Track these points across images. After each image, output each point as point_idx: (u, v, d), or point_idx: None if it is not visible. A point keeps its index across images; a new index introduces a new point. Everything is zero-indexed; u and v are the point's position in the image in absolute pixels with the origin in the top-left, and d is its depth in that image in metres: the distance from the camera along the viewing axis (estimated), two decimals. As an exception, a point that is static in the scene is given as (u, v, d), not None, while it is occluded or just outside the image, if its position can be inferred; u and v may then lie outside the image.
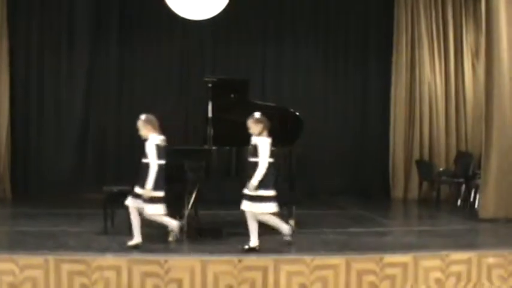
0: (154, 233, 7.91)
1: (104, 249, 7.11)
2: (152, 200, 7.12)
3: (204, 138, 8.27)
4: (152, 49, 12.64)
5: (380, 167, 12.81)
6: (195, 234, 8.01)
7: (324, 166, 12.21)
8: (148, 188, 7.06)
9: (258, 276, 6.55)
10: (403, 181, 12.65)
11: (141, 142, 7.24)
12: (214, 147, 7.80)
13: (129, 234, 7.37)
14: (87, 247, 7.23)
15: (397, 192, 12.61)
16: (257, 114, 7.30)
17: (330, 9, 13.01)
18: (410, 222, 10.52)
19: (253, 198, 7.17)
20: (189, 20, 11.90)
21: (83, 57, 12.53)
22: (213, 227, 8.75)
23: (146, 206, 7.14)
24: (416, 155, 12.57)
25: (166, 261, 6.52)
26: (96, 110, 12.44)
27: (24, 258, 6.58)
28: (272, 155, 7.20)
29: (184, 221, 7.97)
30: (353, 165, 12.82)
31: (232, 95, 8.54)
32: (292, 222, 8.69)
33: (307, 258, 6.69)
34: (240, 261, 6.58)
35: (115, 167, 12.20)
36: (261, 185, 7.14)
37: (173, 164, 7.50)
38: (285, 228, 7.46)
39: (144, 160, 7.18)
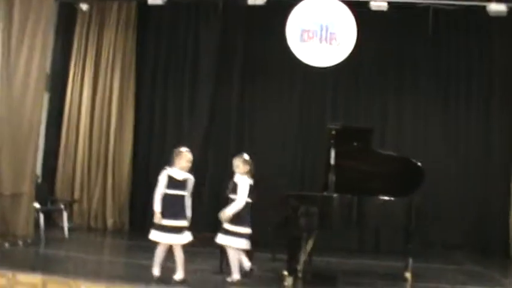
0: (271, 277, 7.93)
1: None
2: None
3: (324, 185, 8.21)
4: (273, 94, 12.83)
5: (501, 224, 12.24)
6: (310, 280, 7.94)
7: (442, 218, 11.84)
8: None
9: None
10: (523, 240, 12.05)
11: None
12: (335, 194, 7.73)
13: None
14: (203, 285, 7.31)
15: (517, 251, 12.02)
16: (246, 155, 7.77)
17: (451, 59, 12.70)
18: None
19: (228, 233, 7.50)
20: (311, 67, 12.13)
21: (205, 101, 12.87)
22: (328, 274, 8.64)
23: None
24: (539, 214, 11.96)
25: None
26: (214, 155, 12.68)
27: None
28: (250, 195, 7.59)
29: (300, 267, 7.94)
30: (472, 220, 12.31)
31: (355, 143, 8.48)
32: (408, 274, 8.48)
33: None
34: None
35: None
36: (238, 221, 7.48)
37: (293, 210, 7.53)
38: (237, 271, 7.57)
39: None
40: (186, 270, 7.64)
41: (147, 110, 13.11)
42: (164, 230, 7.37)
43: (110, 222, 12.58)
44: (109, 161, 12.67)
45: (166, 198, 7.44)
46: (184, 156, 7.57)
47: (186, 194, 7.49)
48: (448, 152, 12.59)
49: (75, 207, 12.45)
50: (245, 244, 7.56)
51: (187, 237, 7.43)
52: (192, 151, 12.31)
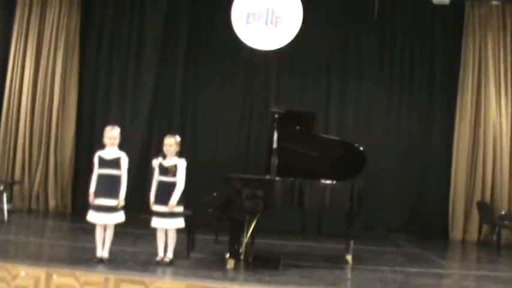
0: (212, 258, 7.95)
1: (161, 272, 7.20)
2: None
3: (266, 168, 8.25)
4: (217, 76, 12.78)
5: (440, 207, 12.52)
6: (252, 263, 8.00)
7: (383, 201, 12.04)
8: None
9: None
10: (462, 222, 12.33)
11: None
12: (277, 178, 7.77)
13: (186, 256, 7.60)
14: (144, 268, 7.29)
15: (456, 233, 12.30)
16: (178, 137, 7.71)
17: (395, 45, 12.87)
18: (469, 265, 10.25)
19: (169, 215, 7.51)
20: (256, 50, 12.13)
21: (149, 82, 12.77)
22: (270, 256, 8.72)
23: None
24: (477, 197, 12.23)
25: (224, 289, 6.52)
26: (158, 138, 12.56)
27: (85, 274, 6.66)
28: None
29: (242, 249, 7.98)
30: (412, 203, 12.59)
31: (298, 127, 8.52)
32: (349, 257, 8.62)
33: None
34: (297, 294, 6.53)
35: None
36: (178, 202, 7.51)
37: (235, 192, 7.55)
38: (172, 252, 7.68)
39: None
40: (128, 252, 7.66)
41: (91, 91, 12.90)
42: (97, 210, 7.38)
43: (52, 204, 12.37)
44: (51, 141, 12.42)
45: (99, 178, 7.45)
46: (106, 133, 7.54)
47: (119, 172, 7.44)
48: (390, 136, 12.82)
49: (16, 188, 12.18)
50: (183, 222, 7.63)
51: (119, 217, 7.43)
52: (135, 134, 12.43)
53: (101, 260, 7.40)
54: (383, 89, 12.84)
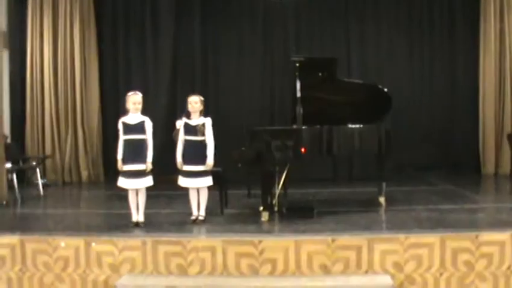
0: (246, 213, 7.98)
1: (196, 230, 7.30)
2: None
3: (292, 118, 8.22)
4: (235, 31, 12.70)
5: (470, 142, 12.40)
6: (286, 213, 8.03)
7: (412, 141, 11.96)
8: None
9: (351, 255, 6.50)
10: (494, 156, 12.21)
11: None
12: (304, 127, 7.73)
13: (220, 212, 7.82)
14: (180, 228, 7.37)
15: (488, 167, 12.20)
16: (201, 96, 7.67)
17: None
18: (503, 198, 10.16)
19: (198, 174, 7.56)
20: (271, 0, 11.98)
21: (168, 44, 12.71)
22: (304, 206, 8.74)
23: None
24: (507, 129, 12.06)
25: (260, 241, 6.55)
26: (182, 97, 12.60)
27: (122, 240, 6.76)
28: None
29: (275, 201, 8.02)
30: (442, 140, 12.48)
31: (320, 74, 8.45)
32: (382, 199, 8.61)
33: (401, 236, 6.58)
34: (333, 240, 6.54)
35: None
36: (202, 160, 7.55)
37: (263, 145, 7.54)
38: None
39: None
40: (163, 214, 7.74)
41: (111, 59, 12.89)
42: (127, 176, 7.45)
43: (84, 174, 12.52)
44: (77, 114, 12.48)
45: (125, 144, 7.50)
46: (129, 99, 7.53)
47: (144, 137, 7.47)
48: (414, 75, 12.66)
49: (48, 163, 12.32)
50: (211, 180, 7.67)
51: (148, 181, 7.49)
52: (159, 98, 12.44)
53: (137, 224, 7.50)
54: (403, 27, 12.64)
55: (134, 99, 7.50)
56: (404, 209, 8.39)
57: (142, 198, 7.56)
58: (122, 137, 7.52)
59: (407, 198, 9.33)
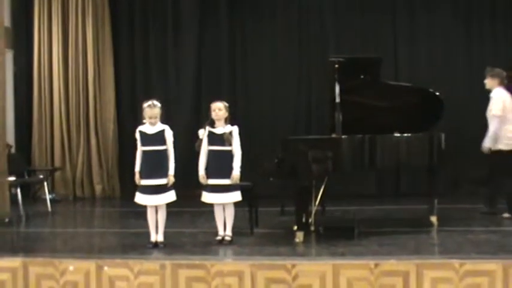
0: (279, 233, 7.98)
1: (222, 252, 7.32)
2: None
3: (331, 126, 8.22)
4: (266, 29, 12.76)
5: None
6: (323, 234, 8.03)
7: (470, 153, 11.81)
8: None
9: (397, 283, 6.45)
10: None
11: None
12: (344, 136, 7.73)
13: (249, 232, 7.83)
14: (204, 250, 7.41)
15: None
16: (225, 102, 7.69)
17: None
18: None
19: (224, 188, 7.58)
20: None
21: (191, 45, 12.83)
22: (343, 225, 8.73)
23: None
24: None
25: (293, 265, 6.54)
26: (208, 103, 12.68)
27: (139, 263, 6.80)
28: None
29: (311, 220, 8.01)
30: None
31: (362, 76, 8.45)
32: (434, 218, 8.56)
33: (456, 262, 6.52)
34: (376, 265, 6.50)
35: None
36: (227, 173, 7.57)
37: (298, 156, 7.56)
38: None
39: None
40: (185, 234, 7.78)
41: (128, 60, 13.06)
42: (145, 191, 7.52)
43: (98, 189, 12.69)
44: (90, 121, 12.67)
45: (143, 156, 7.57)
46: (146, 113, 7.57)
47: (165, 147, 7.54)
48: (473, 73, 12.45)
49: (57, 176, 12.51)
50: (239, 195, 7.69)
51: (169, 196, 7.55)
52: (182, 103, 12.52)
53: (155, 245, 7.54)
54: (461, 19, 12.49)
55: (150, 114, 7.54)
56: (460, 230, 8.31)
57: (162, 215, 7.61)
58: (140, 148, 7.60)
59: (463, 218, 9.26)
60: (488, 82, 9.64)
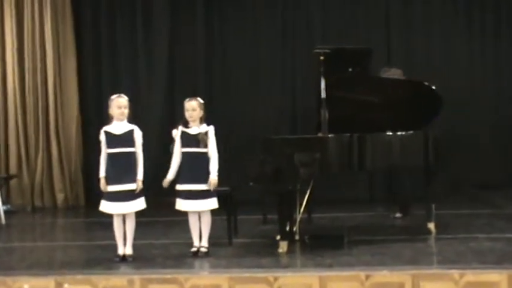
0: (260, 243, 8.00)
1: (198, 265, 7.32)
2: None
3: (317, 124, 8.25)
4: (247, 18, 12.87)
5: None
6: (309, 243, 8.05)
7: (471, 152, 11.94)
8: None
9: (391, 295, 6.51)
10: None
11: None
12: (330, 135, 7.77)
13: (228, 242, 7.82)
14: (177, 263, 7.40)
15: None
16: (200, 99, 7.67)
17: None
18: None
19: (199, 195, 7.55)
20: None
21: (163, 36, 12.87)
22: (332, 233, 8.76)
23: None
24: None
25: (276, 278, 6.54)
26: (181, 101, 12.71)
27: (103, 279, 6.77)
28: None
29: (296, 228, 8.03)
30: (509, 152, 12.44)
31: (350, 69, 8.47)
32: (431, 225, 8.60)
33: (455, 272, 6.56)
34: (368, 277, 6.53)
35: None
36: (205, 178, 7.55)
37: (281, 158, 7.58)
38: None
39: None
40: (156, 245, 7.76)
41: (92, 56, 13.02)
42: (112, 198, 7.49)
43: (60, 197, 12.62)
44: (50, 121, 12.59)
45: (109, 159, 7.54)
46: (113, 102, 7.55)
47: (133, 150, 7.54)
48: (474, 69, 12.60)
49: (13, 184, 12.43)
50: (216, 202, 7.68)
51: (139, 204, 7.54)
52: (153, 103, 12.51)
53: (123, 259, 7.53)
54: (461, 6, 12.62)
55: (119, 103, 7.52)
56: (460, 237, 8.35)
57: (130, 225, 7.59)
58: (106, 150, 7.57)
59: (464, 224, 9.28)
60: None
